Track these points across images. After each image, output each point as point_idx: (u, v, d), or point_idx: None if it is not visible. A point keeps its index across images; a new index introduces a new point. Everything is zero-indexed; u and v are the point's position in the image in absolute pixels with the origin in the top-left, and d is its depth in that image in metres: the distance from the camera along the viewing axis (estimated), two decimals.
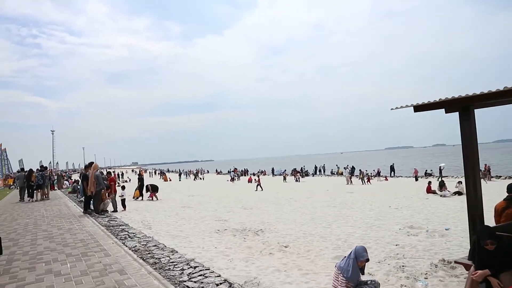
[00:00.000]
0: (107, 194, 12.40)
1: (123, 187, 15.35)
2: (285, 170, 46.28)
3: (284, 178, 40.35)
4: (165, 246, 6.66)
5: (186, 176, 56.79)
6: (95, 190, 11.29)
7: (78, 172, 52.88)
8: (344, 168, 40.32)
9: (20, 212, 12.74)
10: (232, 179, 40.46)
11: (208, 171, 70.59)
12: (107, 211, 12.13)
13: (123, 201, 14.34)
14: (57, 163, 76.58)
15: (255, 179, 40.31)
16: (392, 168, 44.13)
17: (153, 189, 19.01)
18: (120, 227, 8.83)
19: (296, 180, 38.83)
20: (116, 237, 7.58)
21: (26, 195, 17.45)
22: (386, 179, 37.28)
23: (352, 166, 42.13)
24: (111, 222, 9.79)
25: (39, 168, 18.71)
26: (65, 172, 64.35)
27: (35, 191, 17.42)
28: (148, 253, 6.12)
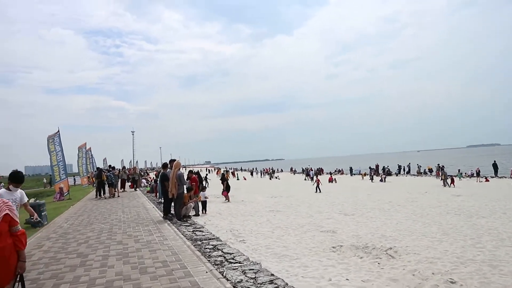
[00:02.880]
0: (189, 197, 10.54)
1: (203, 188, 13.56)
2: (372, 169, 42.10)
3: (372, 178, 36.57)
4: (287, 285, 4.29)
5: (261, 175, 55.77)
6: (177, 192, 9.45)
7: (155, 171, 54.11)
8: (441, 167, 35.12)
9: (97, 214, 11.50)
10: (312, 178, 37.47)
11: (282, 170, 68.52)
12: (189, 216, 10.28)
13: (203, 203, 12.57)
14: (137, 161, 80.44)
15: (334, 179, 37.15)
16: (495, 167, 37.55)
17: (226, 188, 17.26)
18: (210, 242, 6.73)
19: (381, 180, 34.86)
20: (208, 260, 5.43)
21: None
22: (487, 180, 31.66)
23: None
24: (196, 233, 7.79)
25: (108, 168, 20.07)
26: (152, 170, 66.70)
27: (108, 188, 18.22)
28: None
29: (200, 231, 8.03)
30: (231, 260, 5.42)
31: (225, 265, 5.19)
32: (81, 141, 29.02)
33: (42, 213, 10.02)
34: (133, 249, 6.40)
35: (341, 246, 7.81)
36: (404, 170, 48.78)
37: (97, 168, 21.24)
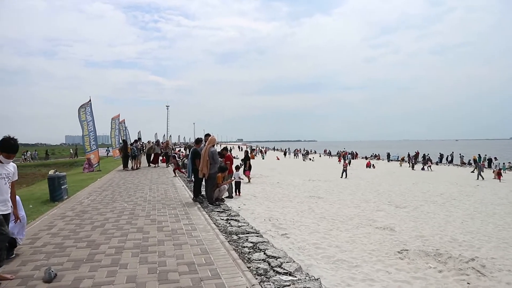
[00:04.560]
0: (223, 178, 9.25)
1: (237, 167, 12.30)
2: (412, 156, 39.46)
3: (412, 166, 34.21)
4: None
5: (294, 155, 54.35)
6: (209, 172, 8.18)
7: (184, 145, 53.64)
8: (492, 159, 32.07)
9: (122, 190, 10.56)
10: (349, 162, 35.04)
11: (315, 152, 66.61)
12: (223, 199, 9.06)
13: (237, 184, 11.36)
14: (170, 136, 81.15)
15: (372, 165, 34.96)
16: None
17: (248, 167, 16.13)
18: (248, 238, 5.42)
19: (423, 169, 32.35)
20: (248, 267, 4.12)
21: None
22: None
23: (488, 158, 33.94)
24: (231, 222, 6.52)
25: (135, 141, 20.96)
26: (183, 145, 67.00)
27: (130, 161, 18.56)
28: None
29: (235, 220, 6.75)
30: (278, 270, 4.07)
31: (270, 276, 3.85)
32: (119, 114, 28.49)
33: (62, 187, 9.13)
34: (155, 240, 5.21)
35: (407, 250, 6.29)
36: (446, 159, 45.52)
37: (123, 141, 20.87)
